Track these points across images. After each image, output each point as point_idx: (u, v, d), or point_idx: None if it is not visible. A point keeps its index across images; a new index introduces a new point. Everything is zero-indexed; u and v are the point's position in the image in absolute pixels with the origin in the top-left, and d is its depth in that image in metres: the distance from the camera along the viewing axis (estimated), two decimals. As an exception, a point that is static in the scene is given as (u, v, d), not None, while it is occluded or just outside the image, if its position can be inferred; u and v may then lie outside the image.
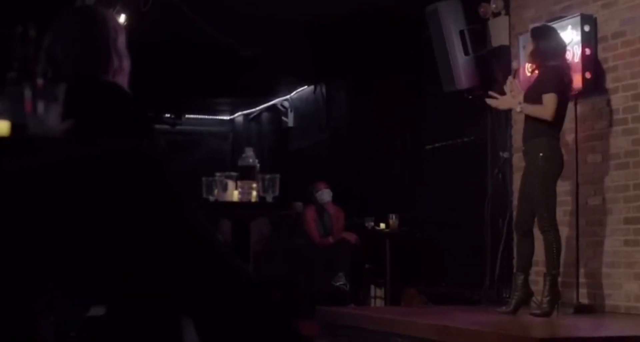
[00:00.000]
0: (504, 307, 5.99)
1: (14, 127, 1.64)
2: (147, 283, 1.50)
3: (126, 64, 2.54)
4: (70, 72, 2.39)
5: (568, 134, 6.59)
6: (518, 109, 5.92)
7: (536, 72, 6.18)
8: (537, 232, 5.95)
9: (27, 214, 1.45)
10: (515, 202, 6.90)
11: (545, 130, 5.84)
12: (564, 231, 6.67)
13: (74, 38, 2.47)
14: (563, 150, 6.03)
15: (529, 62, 6.23)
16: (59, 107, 1.63)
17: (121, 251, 1.46)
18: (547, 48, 5.92)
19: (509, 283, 6.84)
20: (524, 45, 6.70)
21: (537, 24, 6.34)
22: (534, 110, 5.83)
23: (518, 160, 7.26)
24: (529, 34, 6.10)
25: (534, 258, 6.04)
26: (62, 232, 1.45)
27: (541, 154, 5.80)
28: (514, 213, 6.19)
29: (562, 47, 6.01)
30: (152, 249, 1.46)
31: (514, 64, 6.13)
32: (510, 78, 6.20)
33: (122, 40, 2.55)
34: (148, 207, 1.47)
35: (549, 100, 5.77)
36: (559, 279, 5.92)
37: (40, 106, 1.62)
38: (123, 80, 2.52)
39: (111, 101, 2.36)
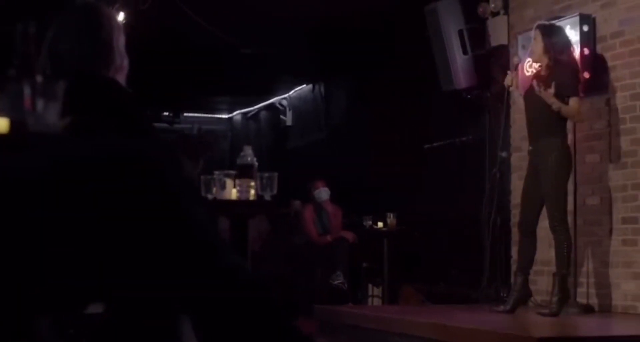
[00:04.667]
0: (501, 306, 6.00)
1: (13, 124, 1.64)
2: (146, 281, 1.50)
3: (126, 62, 2.56)
4: (71, 68, 2.39)
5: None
6: (555, 107, 5.80)
7: (536, 67, 6.16)
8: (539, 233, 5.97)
9: (21, 214, 1.45)
10: (514, 201, 6.89)
11: (559, 130, 5.87)
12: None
13: (78, 34, 2.48)
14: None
15: (537, 60, 6.11)
16: (58, 104, 1.63)
17: (121, 249, 1.46)
18: (559, 43, 5.94)
19: (507, 282, 6.85)
20: (524, 45, 6.69)
21: (543, 22, 6.30)
22: (567, 111, 5.81)
23: (516, 160, 7.27)
24: (536, 32, 6.01)
25: (535, 257, 6.05)
26: (57, 233, 1.45)
27: (555, 154, 5.79)
28: (518, 213, 6.14)
29: (570, 43, 6.06)
30: (153, 247, 1.46)
31: (515, 59, 6.07)
32: (510, 73, 6.16)
33: (122, 39, 2.56)
34: (150, 205, 1.47)
35: (577, 103, 5.83)
36: (570, 278, 5.93)
37: (40, 103, 1.62)
38: (122, 78, 2.54)
39: (111, 98, 2.36)
